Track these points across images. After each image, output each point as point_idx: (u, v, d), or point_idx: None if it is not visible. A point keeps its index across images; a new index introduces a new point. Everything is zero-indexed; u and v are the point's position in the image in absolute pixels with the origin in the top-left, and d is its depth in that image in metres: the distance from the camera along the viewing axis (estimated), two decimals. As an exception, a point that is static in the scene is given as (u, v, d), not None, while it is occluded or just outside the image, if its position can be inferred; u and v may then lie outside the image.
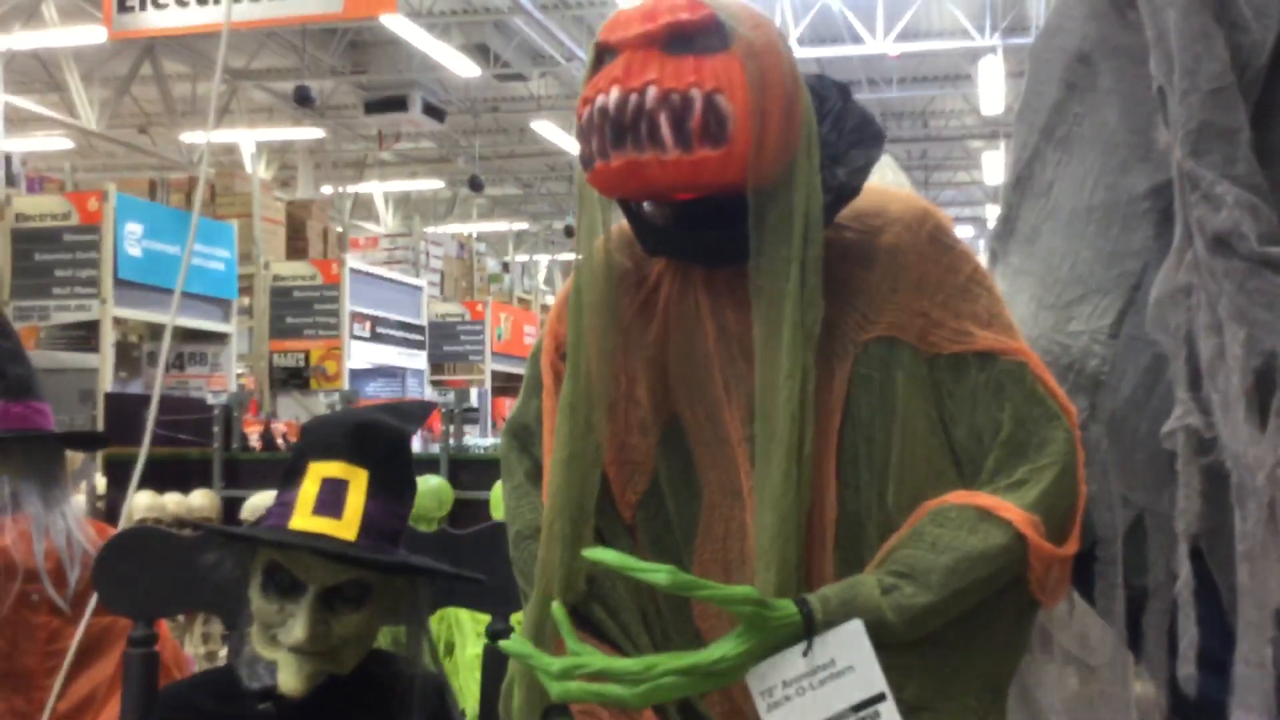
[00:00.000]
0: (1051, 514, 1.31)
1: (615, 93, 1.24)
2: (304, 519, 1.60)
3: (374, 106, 13.74)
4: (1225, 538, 1.42)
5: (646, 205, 1.34)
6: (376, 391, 11.96)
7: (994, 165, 17.33)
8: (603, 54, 1.31)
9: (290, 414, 9.83)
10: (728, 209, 1.29)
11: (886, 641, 1.24)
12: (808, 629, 1.23)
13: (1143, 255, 1.58)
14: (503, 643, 1.31)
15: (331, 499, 1.61)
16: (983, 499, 1.30)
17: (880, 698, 1.22)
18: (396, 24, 10.87)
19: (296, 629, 1.56)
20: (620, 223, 1.43)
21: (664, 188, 1.28)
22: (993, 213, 20.93)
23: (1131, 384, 1.55)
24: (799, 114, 1.31)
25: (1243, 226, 1.37)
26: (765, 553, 1.26)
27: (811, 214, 1.30)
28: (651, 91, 1.23)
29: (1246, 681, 1.38)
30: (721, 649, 1.22)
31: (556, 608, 1.33)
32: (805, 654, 1.22)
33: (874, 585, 1.26)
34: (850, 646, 1.22)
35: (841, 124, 1.36)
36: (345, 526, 1.60)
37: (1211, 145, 1.41)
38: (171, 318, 2.71)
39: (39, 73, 13.37)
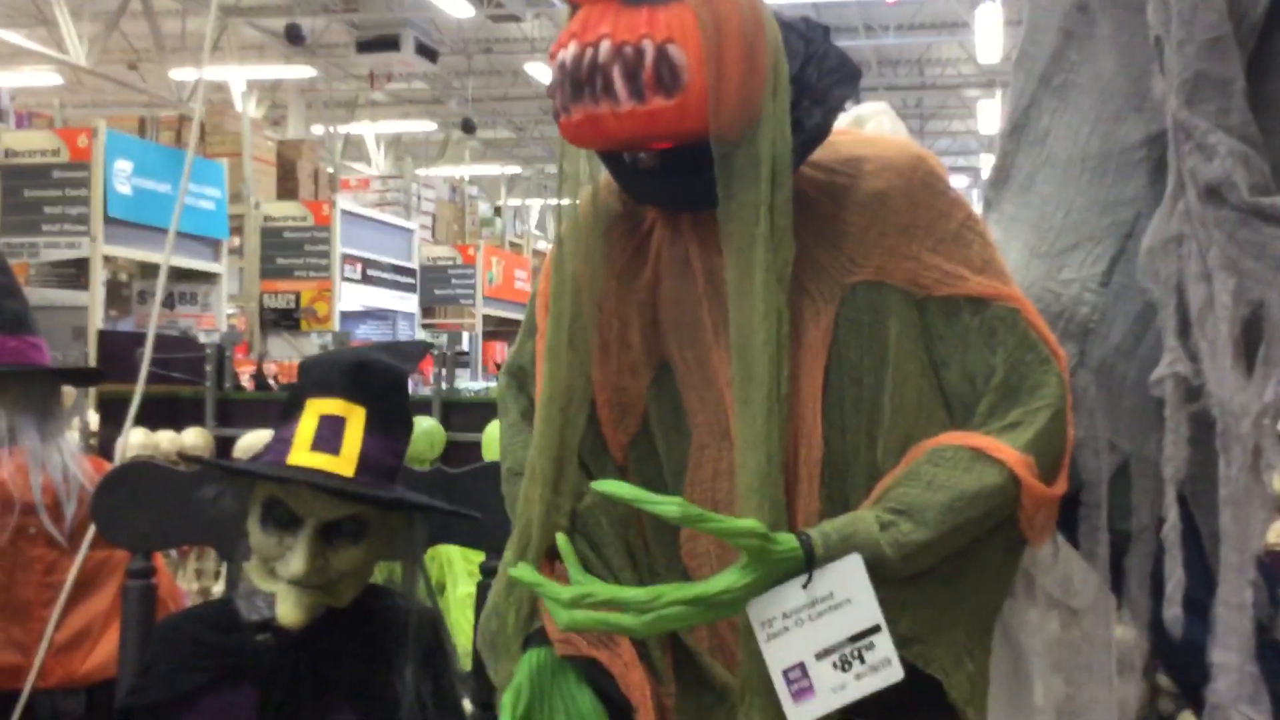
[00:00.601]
0: (1044, 455, 1.34)
1: (572, 47, 1.26)
2: (302, 454, 1.62)
3: (366, 46, 13.61)
4: (1209, 483, 1.45)
5: (626, 155, 1.36)
6: (367, 334, 11.97)
7: (990, 115, 17.25)
8: (573, 9, 1.32)
9: (282, 355, 9.85)
10: (703, 155, 1.30)
11: (883, 576, 1.27)
12: (808, 562, 1.26)
13: (1136, 204, 1.60)
14: (512, 570, 1.34)
15: (330, 435, 1.63)
16: (978, 440, 1.33)
17: (876, 629, 1.26)
18: (390, -38, 10.77)
19: (295, 562, 1.58)
20: None
21: (623, 140, 1.30)
22: (987, 162, 20.84)
23: (1121, 331, 1.57)
24: (762, 59, 1.31)
25: (1235, 176, 1.38)
26: (754, 492, 1.29)
27: (779, 157, 1.31)
28: (605, 45, 1.25)
29: (1226, 623, 1.42)
30: (726, 580, 1.25)
31: (562, 540, 1.37)
32: (805, 586, 1.26)
33: (872, 521, 1.29)
34: (849, 580, 1.26)
35: (822, 64, 1.37)
36: (343, 462, 1.62)
37: (1206, 95, 1.42)
38: (166, 256, 2.70)
39: (27, 6, 13.20)
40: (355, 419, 1.66)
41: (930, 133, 20.47)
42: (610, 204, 1.47)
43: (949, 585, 1.33)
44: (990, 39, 13.06)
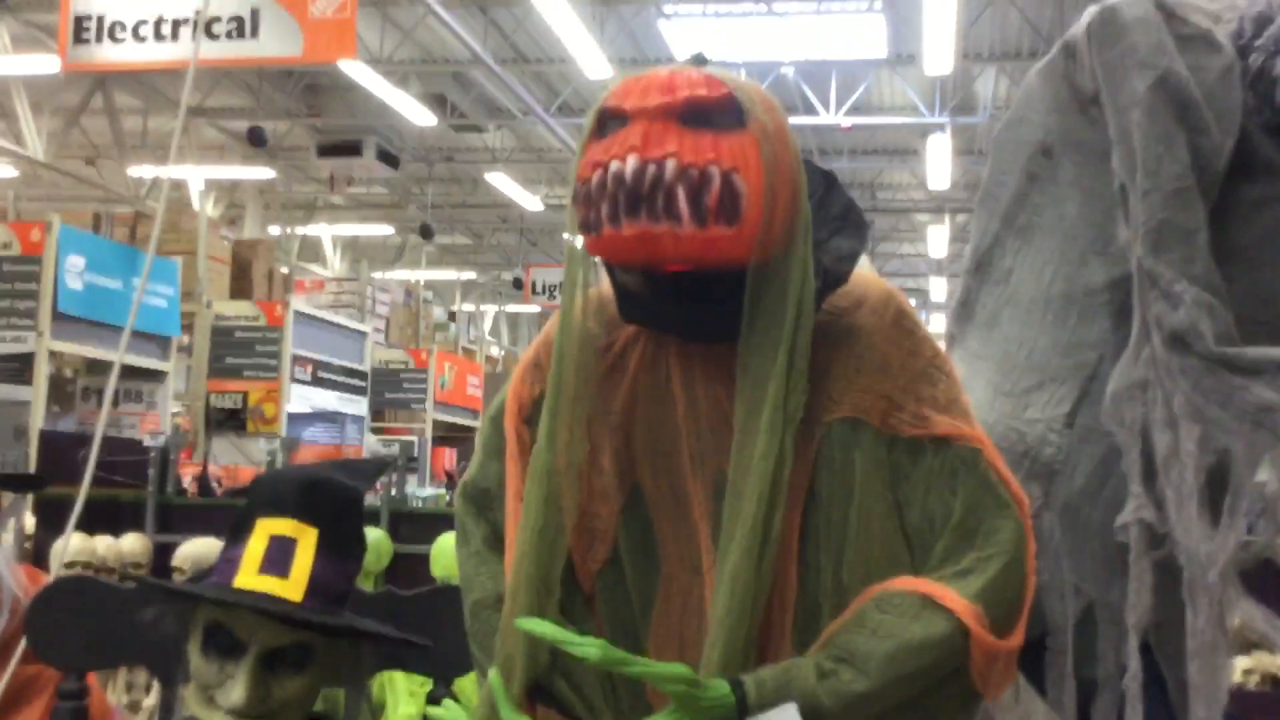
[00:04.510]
0: (996, 605, 1.30)
1: (633, 161, 1.24)
2: (249, 577, 1.56)
3: (327, 150, 13.68)
4: (1175, 632, 1.43)
5: (622, 272, 1.34)
6: (315, 436, 11.81)
7: (939, 239, 17.63)
8: (607, 119, 1.31)
9: (227, 456, 9.69)
10: (715, 286, 1.29)
11: None
12: (740, 710, 1.22)
13: (1099, 347, 1.61)
14: (430, 710, 1.29)
15: (279, 557, 1.58)
16: (927, 586, 1.30)
17: None
18: (355, 70, 10.88)
19: (235, 691, 1.51)
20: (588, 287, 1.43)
21: (675, 260, 1.28)
22: (936, 285, 21.25)
23: (1085, 474, 1.58)
24: (801, 198, 1.32)
25: (1200, 325, 1.40)
26: (714, 631, 1.26)
27: (805, 298, 1.31)
28: (671, 164, 1.23)
29: (1194, 777, 1.39)
30: None
31: (493, 675, 1.32)
32: None
33: (811, 669, 1.26)
34: None
35: (825, 210, 1.38)
36: (292, 586, 1.56)
37: (1171, 244, 1.44)
38: (120, 355, 2.65)
39: (-13, 99, 13.20)
40: (306, 540, 1.60)
41: (881, 254, 20.85)
42: (586, 321, 1.45)
43: None
44: (940, 166, 13.40)
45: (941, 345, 1.57)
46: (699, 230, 1.24)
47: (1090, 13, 1.62)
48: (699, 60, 1.35)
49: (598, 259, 1.36)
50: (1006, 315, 1.74)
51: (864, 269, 2.16)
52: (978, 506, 1.33)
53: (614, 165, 1.25)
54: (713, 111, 1.27)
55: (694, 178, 1.23)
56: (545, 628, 1.22)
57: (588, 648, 1.19)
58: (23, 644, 2.08)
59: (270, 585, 1.55)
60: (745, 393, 1.30)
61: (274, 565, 1.57)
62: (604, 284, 1.41)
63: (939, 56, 9.82)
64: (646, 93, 1.28)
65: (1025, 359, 1.68)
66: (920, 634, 1.26)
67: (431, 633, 1.74)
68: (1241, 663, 3.08)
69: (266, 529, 1.60)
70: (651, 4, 10.71)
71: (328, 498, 1.64)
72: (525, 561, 1.35)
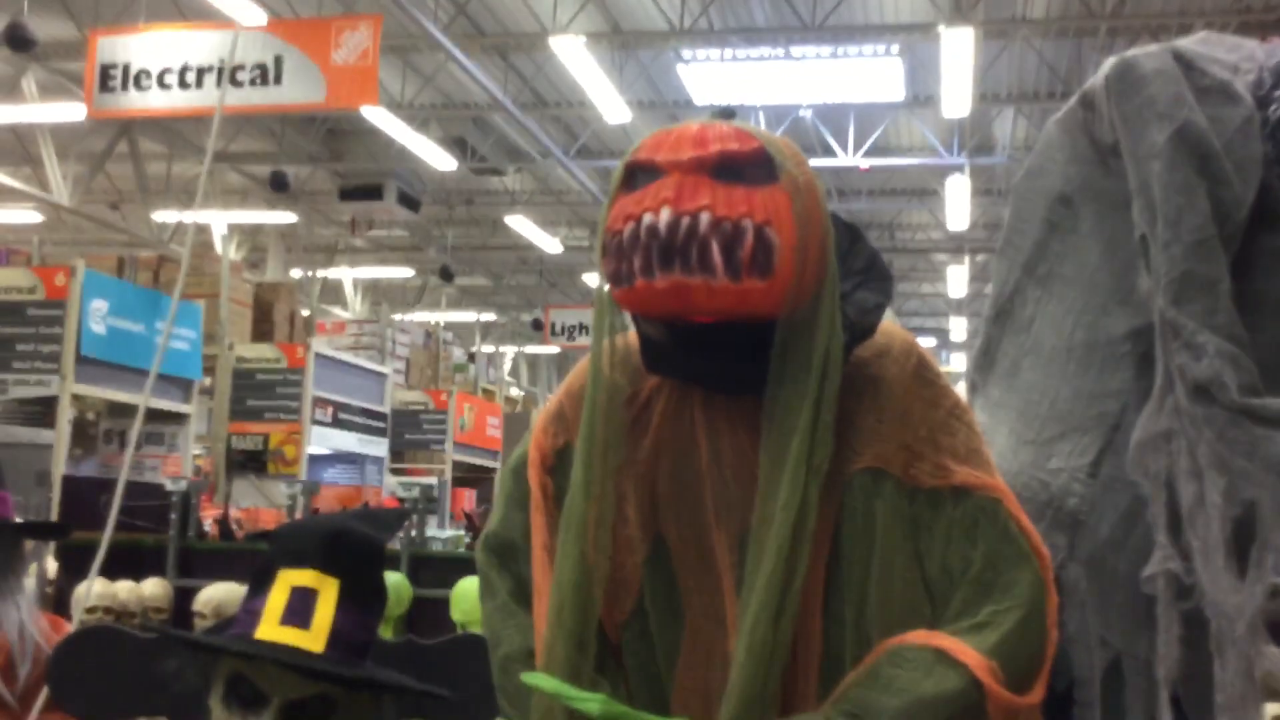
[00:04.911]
0: (1013, 660, 1.27)
1: (667, 213, 1.24)
2: (271, 629, 1.56)
3: (349, 194, 13.80)
4: (1204, 684, 1.42)
5: (646, 324, 1.35)
6: (335, 478, 11.82)
7: (958, 279, 17.61)
8: (636, 172, 1.31)
9: (247, 499, 9.70)
10: (740, 338, 1.29)
11: None
12: None
13: (1122, 396, 1.60)
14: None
15: (300, 609, 1.58)
16: (942, 640, 1.28)
17: None
18: (376, 115, 10.99)
19: (258, 743, 1.51)
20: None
21: (707, 312, 1.28)
22: (955, 324, 21.20)
23: (1110, 524, 1.56)
24: (830, 252, 1.33)
25: (1224, 376, 1.39)
26: (731, 683, 1.25)
27: (832, 351, 1.31)
28: (705, 217, 1.24)
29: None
30: None
31: None
32: None
33: None
34: None
35: (850, 263, 1.38)
36: (313, 638, 1.56)
37: (1193, 295, 1.44)
38: (144, 400, 2.67)
39: (14, 146, 13.36)
40: (328, 591, 1.60)
41: (900, 294, 20.84)
42: (611, 373, 1.45)
43: None
44: (959, 207, 13.42)
45: (961, 391, 1.57)
46: (732, 283, 1.24)
47: (1109, 64, 1.63)
48: (727, 113, 1.37)
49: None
50: (1028, 364, 1.73)
51: (885, 316, 2.17)
52: (997, 559, 1.32)
53: (647, 218, 1.25)
54: (744, 165, 1.28)
55: (728, 231, 1.24)
56: (548, 682, 1.22)
57: (589, 703, 1.19)
58: (45, 693, 2.08)
59: (292, 637, 1.56)
60: (770, 445, 1.30)
61: (295, 616, 1.58)
62: (630, 334, 1.42)
63: (957, 98, 9.86)
64: (678, 146, 1.29)
65: (1048, 408, 1.67)
66: (933, 690, 1.24)
67: (453, 683, 1.73)
68: (1270, 709, 3.05)
69: (288, 580, 1.61)
70: (669, 48, 10.80)
71: (349, 548, 1.64)
72: (562, 615, 1.34)
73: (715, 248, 1.23)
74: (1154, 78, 1.54)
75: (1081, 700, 1.52)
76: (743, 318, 1.28)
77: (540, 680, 1.22)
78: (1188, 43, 1.64)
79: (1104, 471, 1.58)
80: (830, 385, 1.30)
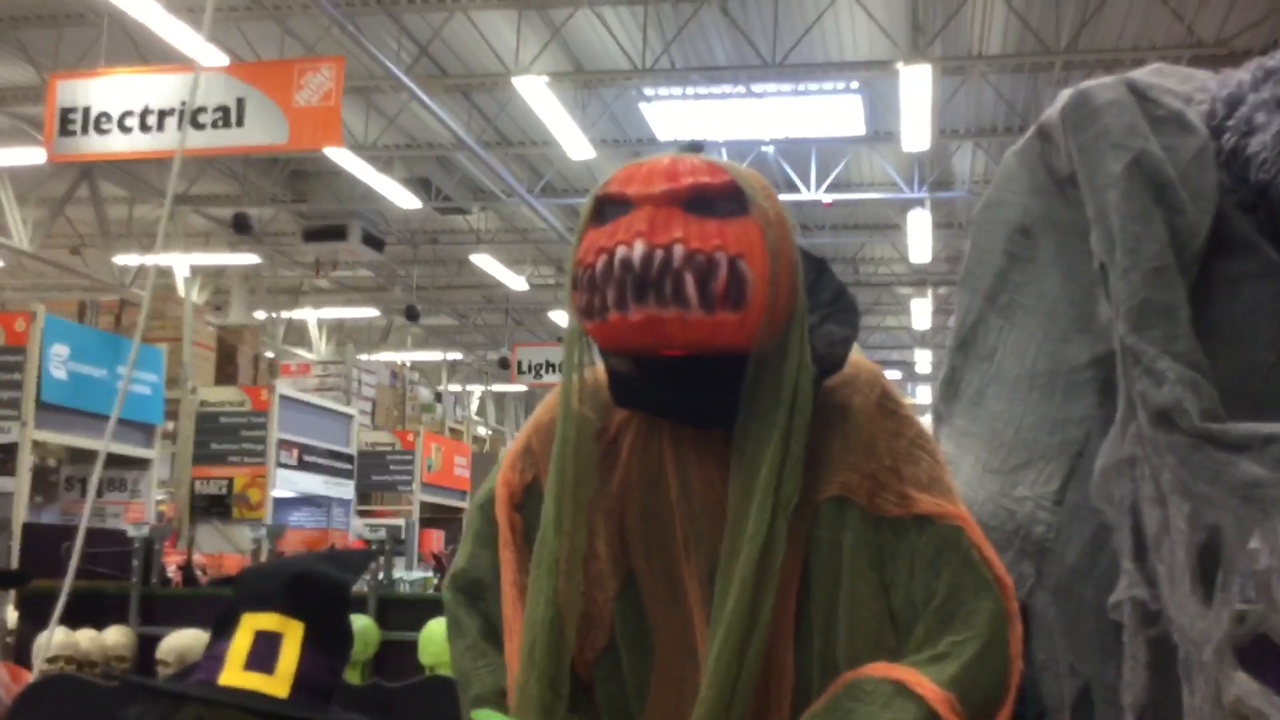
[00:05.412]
0: (974, 690, 1.26)
1: (640, 246, 1.24)
2: (234, 674, 1.54)
3: (313, 235, 13.75)
4: (1172, 710, 1.42)
5: (615, 358, 1.35)
6: (301, 521, 11.70)
7: (921, 311, 17.75)
8: (606, 205, 1.31)
9: (211, 544, 9.59)
10: (707, 371, 1.29)
11: None
12: None
13: (1085, 423, 1.61)
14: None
15: (264, 653, 1.56)
16: (900, 672, 1.27)
17: None
18: (340, 156, 10.97)
19: (221, 791, 1.49)
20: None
21: (680, 345, 1.28)
22: (920, 357, 21.34)
23: (1077, 552, 1.57)
24: (799, 285, 1.34)
25: (1185, 402, 1.41)
26: (696, 715, 1.24)
27: (801, 384, 1.31)
28: (679, 250, 1.24)
29: None
30: None
31: None
32: None
33: None
34: None
35: (817, 295, 1.39)
36: (277, 683, 1.54)
37: (1153, 322, 1.45)
38: (105, 446, 2.64)
39: (-28, 191, 13.25)
40: (292, 635, 1.58)
41: (865, 327, 20.86)
42: (580, 407, 1.44)
43: None
44: (920, 240, 13.54)
45: (925, 420, 1.57)
46: (706, 316, 1.24)
47: (1064, 96, 1.65)
48: (695, 146, 1.37)
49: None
50: (992, 393, 1.74)
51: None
52: (959, 589, 1.31)
53: (620, 250, 1.25)
54: (716, 198, 1.29)
55: (701, 263, 1.25)
56: None
57: None
58: (3, 745, 2.04)
59: (255, 682, 1.53)
60: (739, 478, 1.30)
61: (259, 661, 1.55)
62: (598, 368, 1.42)
63: (916, 133, 9.97)
64: (650, 179, 1.29)
65: (1012, 436, 1.68)
66: None
67: (421, 726, 1.71)
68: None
69: (252, 624, 1.58)
70: (632, 87, 10.87)
71: (314, 590, 1.62)
72: (535, 653, 1.33)
73: (689, 280, 1.24)
74: (1109, 109, 1.56)
75: (1052, 729, 1.52)
76: (714, 351, 1.28)
77: (489, 718, 1.20)
78: (1141, 74, 1.67)
79: (1069, 498, 1.59)
80: (800, 418, 1.30)
